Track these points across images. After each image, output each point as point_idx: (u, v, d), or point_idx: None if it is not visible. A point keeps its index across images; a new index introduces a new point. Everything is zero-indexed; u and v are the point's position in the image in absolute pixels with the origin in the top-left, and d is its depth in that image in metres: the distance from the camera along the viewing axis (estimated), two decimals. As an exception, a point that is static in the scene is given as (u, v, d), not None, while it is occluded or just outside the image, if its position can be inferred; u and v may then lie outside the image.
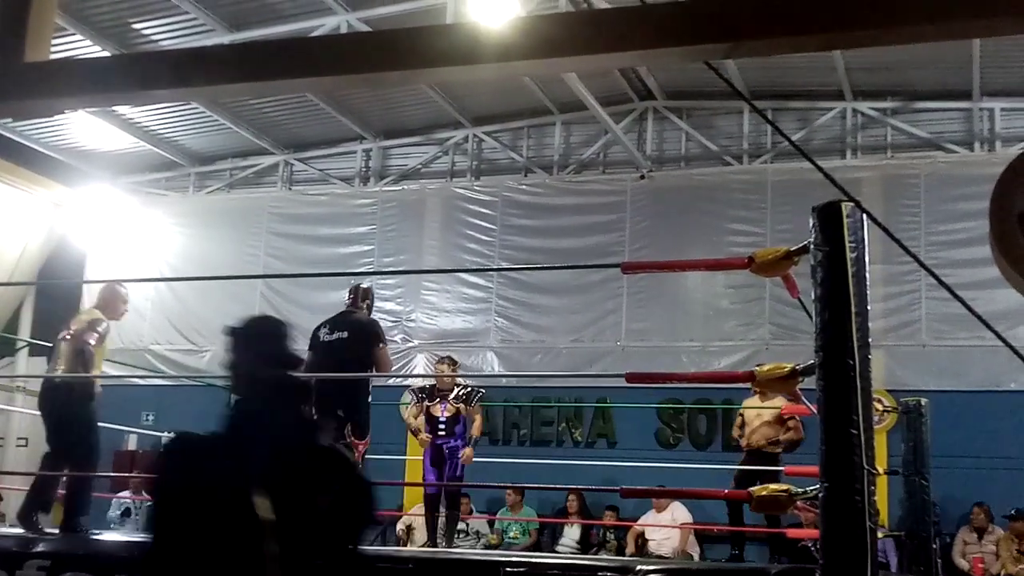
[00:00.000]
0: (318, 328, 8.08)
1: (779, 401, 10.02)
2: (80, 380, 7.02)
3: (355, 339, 7.81)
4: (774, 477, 9.29)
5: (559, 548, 12.18)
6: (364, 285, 8.55)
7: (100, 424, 12.62)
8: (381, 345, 7.98)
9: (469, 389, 9.15)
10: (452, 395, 9.03)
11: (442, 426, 8.91)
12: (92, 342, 7.12)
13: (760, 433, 10.12)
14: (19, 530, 6.06)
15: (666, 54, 3.32)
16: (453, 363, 9.50)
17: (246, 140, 15.12)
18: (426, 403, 9.08)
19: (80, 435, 6.98)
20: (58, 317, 15.21)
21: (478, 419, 9.19)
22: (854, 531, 3.72)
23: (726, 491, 7.65)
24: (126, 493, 13.08)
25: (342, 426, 7.38)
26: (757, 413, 10.11)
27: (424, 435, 8.94)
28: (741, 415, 10.41)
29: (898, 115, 13.38)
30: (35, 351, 14.95)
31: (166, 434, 13.73)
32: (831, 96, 13.37)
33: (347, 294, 8.53)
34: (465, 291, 14.28)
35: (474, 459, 9.26)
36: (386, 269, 14.71)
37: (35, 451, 15.22)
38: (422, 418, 9.01)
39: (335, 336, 7.88)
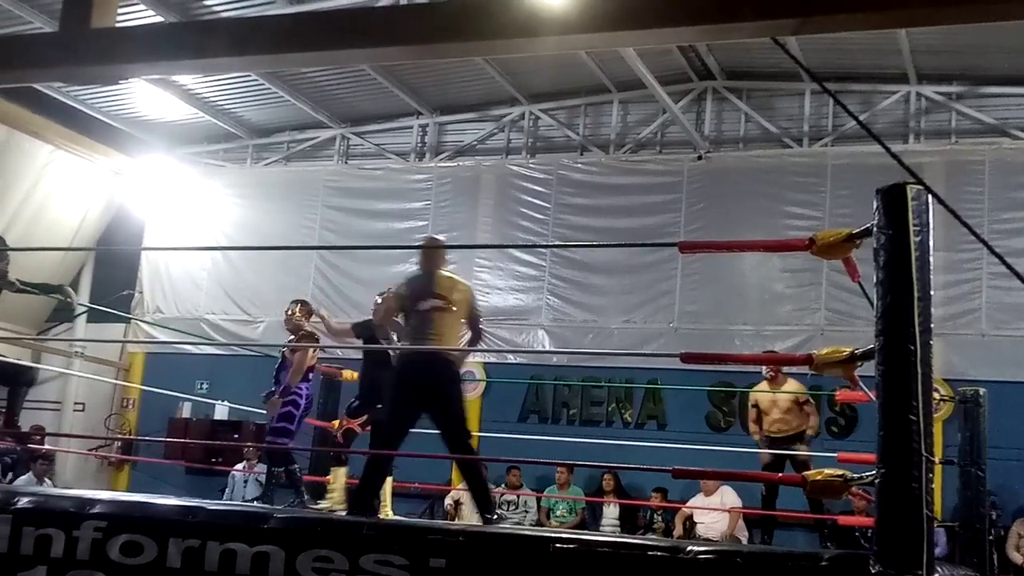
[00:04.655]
0: None
1: (791, 386, 9.98)
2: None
3: None
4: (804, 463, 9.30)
5: (602, 527, 12.21)
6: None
7: (158, 391, 12.79)
8: None
9: (302, 333, 8.69)
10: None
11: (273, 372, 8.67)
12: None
13: (778, 423, 10.02)
14: (76, 491, 6.17)
15: (733, 30, 3.27)
16: (303, 304, 8.92)
17: (304, 113, 15.20)
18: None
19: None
20: (116, 284, 15.62)
21: (296, 362, 8.45)
22: (910, 518, 3.66)
23: (779, 475, 7.58)
24: (240, 466, 13.06)
25: None
26: (772, 401, 10.05)
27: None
28: (756, 406, 10.21)
29: (963, 100, 13.10)
30: (93, 317, 15.21)
31: (220, 403, 13.96)
32: (895, 79, 13.13)
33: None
34: (518, 269, 14.26)
35: (510, 436, 9.08)
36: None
37: (91, 416, 15.55)
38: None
39: None
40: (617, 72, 13.46)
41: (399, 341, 7.30)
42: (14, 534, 4.68)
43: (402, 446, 6.52)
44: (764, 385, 10.19)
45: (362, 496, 6.45)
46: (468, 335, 6.93)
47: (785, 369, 10.03)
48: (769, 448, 9.90)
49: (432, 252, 7.02)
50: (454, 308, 6.70)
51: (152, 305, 15.82)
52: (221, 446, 13.76)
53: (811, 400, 10.04)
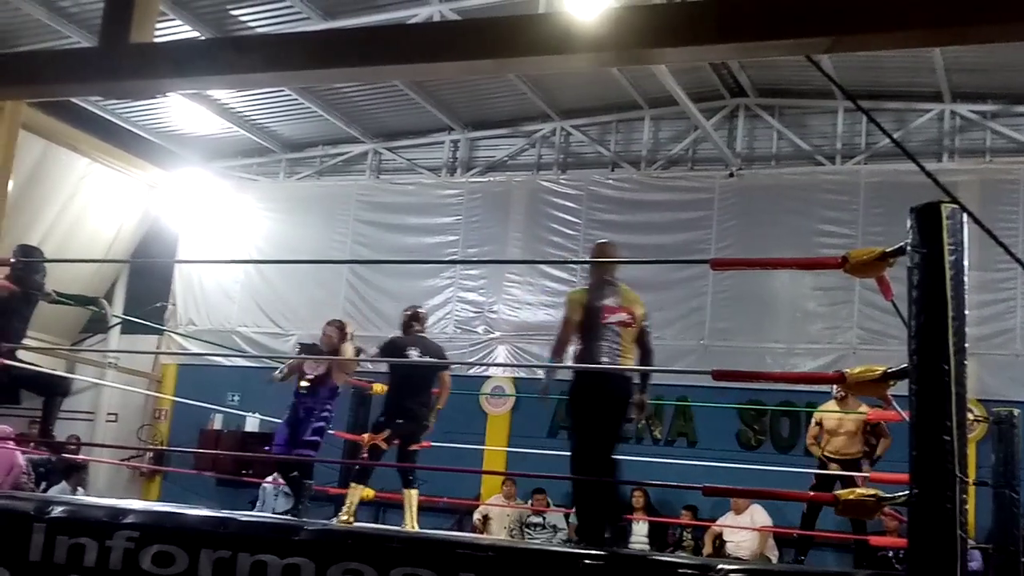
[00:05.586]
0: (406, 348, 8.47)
1: (862, 409, 9.76)
2: None
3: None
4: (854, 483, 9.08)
5: (631, 544, 12.13)
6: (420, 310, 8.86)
7: (190, 402, 12.87)
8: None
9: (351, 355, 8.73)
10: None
11: (305, 384, 8.61)
12: None
13: (838, 443, 9.85)
14: (109, 501, 6.22)
15: (766, 47, 3.26)
16: (341, 328, 8.92)
17: (336, 128, 15.30)
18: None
19: None
20: (150, 296, 15.77)
21: (342, 378, 8.74)
22: (943, 539, 3.63)
23: (811, 493, 7.52)
24: (271, 479, 13.07)
25: None
26: (839, 421, 9.87)
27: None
28: (819, 423, 10.10)
29: (998, 118, 13.01)
30: (127, 328, 15.35)
31: (251, 415, 14.03)
32: (928, 98, 13.06)
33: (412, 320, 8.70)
34: (548, 284, 14.25)
35: (539, 451, 9.00)
36: (470, 259, 14.76)
37: (124, 427, 15.66)
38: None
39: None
40: (649, 88, 13.47)
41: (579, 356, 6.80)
42: (48, 543, 4.73)
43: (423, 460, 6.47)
44: (832, 404, 10.05)
45: (588, 528, 6.28)
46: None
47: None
48: (825, 468, 9.71)
49: (610, 261, 6.90)
50: (636, 324, 6.57)
51: (185, 317, 15.96)
52: (252, 458, 13.81)
53: (883, 424, 9.82)
